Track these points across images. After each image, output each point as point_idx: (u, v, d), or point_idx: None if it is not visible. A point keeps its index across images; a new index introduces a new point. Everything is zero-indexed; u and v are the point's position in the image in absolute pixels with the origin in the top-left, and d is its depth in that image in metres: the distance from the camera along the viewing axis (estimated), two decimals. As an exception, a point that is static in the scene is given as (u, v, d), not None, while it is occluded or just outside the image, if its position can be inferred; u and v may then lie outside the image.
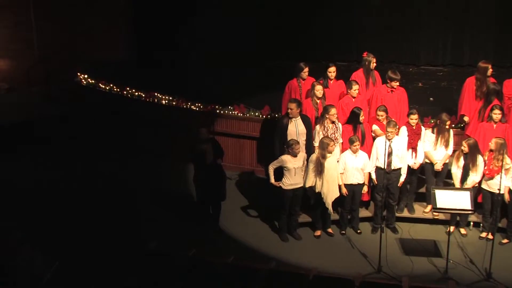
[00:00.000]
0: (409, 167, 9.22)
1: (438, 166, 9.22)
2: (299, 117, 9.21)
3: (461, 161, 8.90)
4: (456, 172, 8.99)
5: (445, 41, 13.98)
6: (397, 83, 9.49)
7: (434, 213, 9.32)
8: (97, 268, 8.06)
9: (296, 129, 9.18)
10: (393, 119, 9.04)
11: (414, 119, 9.11)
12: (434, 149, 9.18)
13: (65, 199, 10.12)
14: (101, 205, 9.95)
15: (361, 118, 9.10)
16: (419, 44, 14.07)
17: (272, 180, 8.92)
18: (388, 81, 9.52)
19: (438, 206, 8.14)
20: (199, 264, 7.33)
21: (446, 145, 9.17)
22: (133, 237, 8.93)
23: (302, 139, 9.18)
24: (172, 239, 8.97)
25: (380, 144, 8.93)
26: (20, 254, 7.13)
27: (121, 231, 9.18)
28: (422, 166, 9.37)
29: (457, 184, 8.94)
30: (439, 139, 9.12)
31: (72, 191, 10.41)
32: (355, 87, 9.40)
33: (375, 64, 9.94)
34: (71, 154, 11.88)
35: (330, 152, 8.79)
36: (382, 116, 9.10)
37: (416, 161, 9.27)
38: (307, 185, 8.95)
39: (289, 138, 9.06)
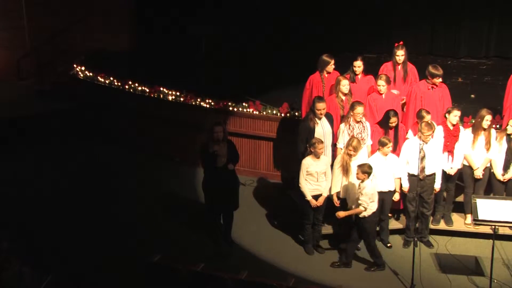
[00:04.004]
0: (445, 173, 9.20)
1: (478, 173, 9.17)
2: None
3: (504, 145, 8.81)
4: (497, 158, 8.90)
5: (490, 29, 13.83)
6: (439, 80, 9.46)
7: (475, 226, 9.27)
8: (94, 283, 8.14)
9: (323, 130, 9.22)
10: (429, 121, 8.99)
11: (453, 117, 9.07)
12: (472, 149, 9.11)
13: (58, 206, 10.22)
14: (99, 213, 10.03)
15: (391, 124, 9.08)
16: (459, 33, 13.92)
17: (309, 197, 8.93)
18: (429, 78, 9.48)
19: (480, 217, 8.05)
20: (208, 280, 7.37)
21: (488, 148, 9.10)
22: (134, 249, 8.98)
23: (329, 140, 9.24)
24: (177, 251, 9.02)
25: (411, 148, 8.93)
26: (5, 268, 7.18)
27: (120, 242, 9.26)
28: (461, 172, 9.33)
29: (497, 173, 8.88)
30: (477, 138, 9.05)
31: (67, 196, 10.50)
32: (380, 82, 9.39)
33: (402, 57, 9.87)
34: (68, 154, 12.01)
35: (355, 154, 8.78)
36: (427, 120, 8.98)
37: (453, 166, 9.23)
38: (334, 191, 8.93)
39: None
